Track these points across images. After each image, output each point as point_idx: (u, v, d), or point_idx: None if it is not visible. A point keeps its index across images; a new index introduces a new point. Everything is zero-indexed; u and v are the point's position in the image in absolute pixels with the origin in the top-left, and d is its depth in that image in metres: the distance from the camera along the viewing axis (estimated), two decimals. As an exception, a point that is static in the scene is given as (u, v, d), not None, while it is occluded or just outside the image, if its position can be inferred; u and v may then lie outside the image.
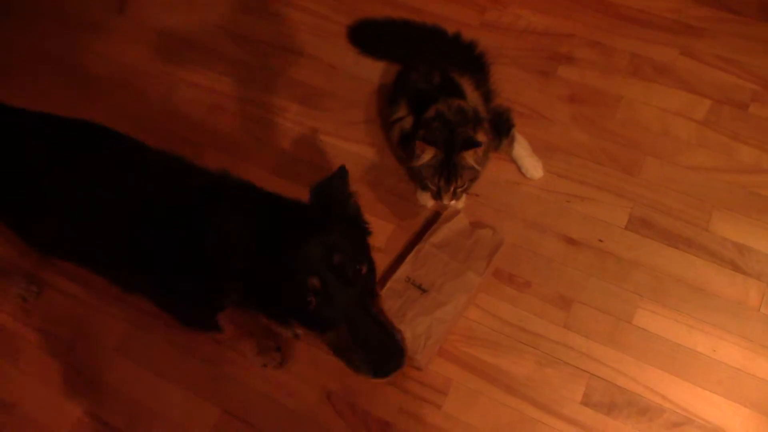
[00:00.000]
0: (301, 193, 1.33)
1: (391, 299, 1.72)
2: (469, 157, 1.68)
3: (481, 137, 1.72)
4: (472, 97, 1.85)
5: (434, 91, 1.80)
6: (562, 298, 1.79)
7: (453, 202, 1.79)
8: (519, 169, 1.95)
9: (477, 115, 1.78)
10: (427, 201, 1.91)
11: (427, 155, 1.69)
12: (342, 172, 1.32)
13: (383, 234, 1.88)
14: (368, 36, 2.17)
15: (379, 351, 1.17)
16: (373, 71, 2.13)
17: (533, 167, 1.92)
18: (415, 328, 1.67)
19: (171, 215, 1.31)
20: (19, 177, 1.38)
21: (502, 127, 1.89)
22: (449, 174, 1.69)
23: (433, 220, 1.87)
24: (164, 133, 2.08)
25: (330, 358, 1.73)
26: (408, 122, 1.83)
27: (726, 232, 1.82)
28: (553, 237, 1.86)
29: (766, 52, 2.03)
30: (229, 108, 2.14)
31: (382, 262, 1.86)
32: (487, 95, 1.94)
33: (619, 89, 2.03)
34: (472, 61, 2.05)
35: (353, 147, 2.03)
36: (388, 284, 1.75)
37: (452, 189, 1.72)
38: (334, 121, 2.08)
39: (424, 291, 1.73)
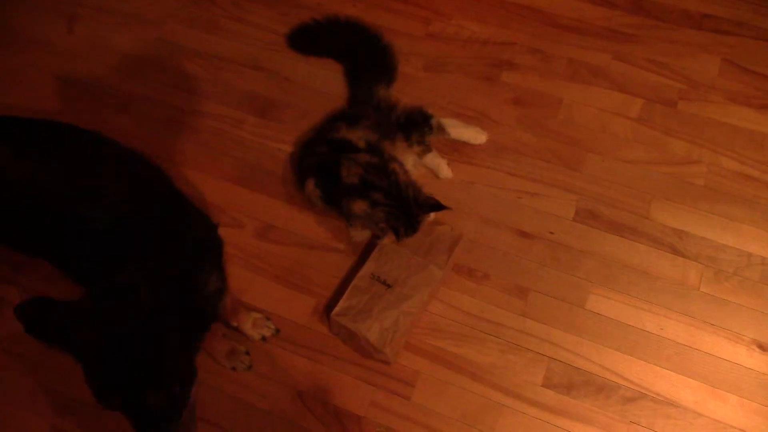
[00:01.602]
0: (262, 201, 1.39)
1: (357, 296, 1.77)
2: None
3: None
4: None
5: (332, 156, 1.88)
6: (519, 288, 1.88)
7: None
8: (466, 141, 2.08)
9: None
10: (363, 236, 1.93)
11: (388, 238, 1.81)
12: None
13: (344, 235, 1.94)
14: (304, 39, 2.27)
15: None
16: (326, 82, 2.20)
17: (477, 134, 2.07)
18: (382, 321, 1.72)
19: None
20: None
21: (420, 123, 1.99)
22: (407, 230, 1.79)
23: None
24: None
25: (299, 359, 1.78)
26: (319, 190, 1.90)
27: (665, 219, 1.95)
28: (508, 231, 1.95)
29: (690, 54, 2.20)
30: (185, 122, 2.16)
31: (344, 262, 1.91)
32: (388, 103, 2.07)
33: (559, 92, 2.16)
34: (384, 61, 2.17)
35: (310, 155, 2.09)
36: (354, 282, 1.80)
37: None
38: (291, 131, 2.13)
39: (389, 286, 1.78)
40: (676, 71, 2.17)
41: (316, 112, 2.14)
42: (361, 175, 1.79)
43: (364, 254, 1.90)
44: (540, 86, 2.17)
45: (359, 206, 1.77)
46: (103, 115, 2.18)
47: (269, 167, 2.08)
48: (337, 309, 1.75)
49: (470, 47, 2.26)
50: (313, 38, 2.27)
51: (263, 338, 1.80)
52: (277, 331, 1.81)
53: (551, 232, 1.95)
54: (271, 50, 2.30)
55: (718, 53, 2.20)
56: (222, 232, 1.62)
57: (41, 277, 1.90)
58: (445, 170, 2.02)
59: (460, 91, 2.17)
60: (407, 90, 2.17)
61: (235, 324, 1.79)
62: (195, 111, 2.18)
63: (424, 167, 2.04)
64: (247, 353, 1.79)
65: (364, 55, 2.17)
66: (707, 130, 2.08)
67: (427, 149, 2.01)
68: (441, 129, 2.01)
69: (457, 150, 2.07)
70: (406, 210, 1.77)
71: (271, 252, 1.93)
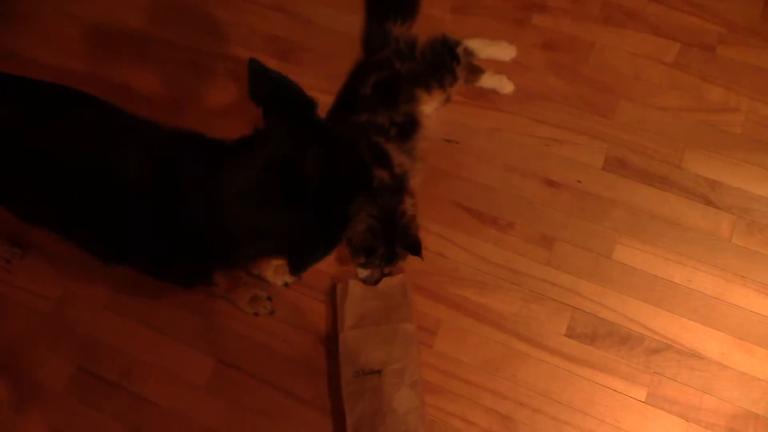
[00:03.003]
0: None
1: (358, 403, 1.63)
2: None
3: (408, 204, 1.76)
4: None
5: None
6: (544, 237, 1.84)
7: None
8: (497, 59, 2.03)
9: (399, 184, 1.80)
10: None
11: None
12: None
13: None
14: None
15: None
16: (350, 25, 2.13)
17: (506, 49, 2.03)
18: (400, 406, 1.61)
19: (163, 185, 1.30)
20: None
21: (446, 55, 1.92)
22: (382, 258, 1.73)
23: (333, 306, 1.80)
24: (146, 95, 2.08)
25: (320, 305, 1.78)
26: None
27: (698, 169, 1.89)
28: (534, 180, 1.91)
29: (731, -4, 2.10)
30: (208, 66, 2.13)
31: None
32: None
33: (591, 35, 2.08)
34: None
35: (332, 99, 2.04)
36: (344, 391, 1.65)
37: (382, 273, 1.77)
38: (313, 76, 2.08)
39: (378, 372, 1.65)
40: (715, 13, 2.07)
41: (338, 56, 2.09)
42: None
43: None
44: (572, 29, 2.09)
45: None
46: (124, 57, 2.15)
47: (292, 113, 2.04)
48: (349, 429, 1.61)
49: (500, -12, 2.18)
50: None
51: (285, 284, 1.80)
52: (299, 277, 1.81)
53: (579, 181, 1.90)
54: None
55: (761, -6, 2.09)
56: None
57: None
58: (507, 84, 1.99)
59: (489, 34, 2.09)
60: (433, 34, 2.09)
61: (256, 271, 1.79)
62: (218, 54, 2.14)
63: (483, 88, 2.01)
64: (270, 299, 1.79)
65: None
66: (746, 76, 1.99)
67: (479, 70, 1.97)
68: (469, 54, 1.95)
69: (483, 96, 2.01)
70: (390, 236, 1.71)
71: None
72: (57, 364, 1.78)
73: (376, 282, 1.76)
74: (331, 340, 1.76)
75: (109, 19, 2.22)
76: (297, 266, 1.37)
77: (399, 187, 1.78)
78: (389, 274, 1.77)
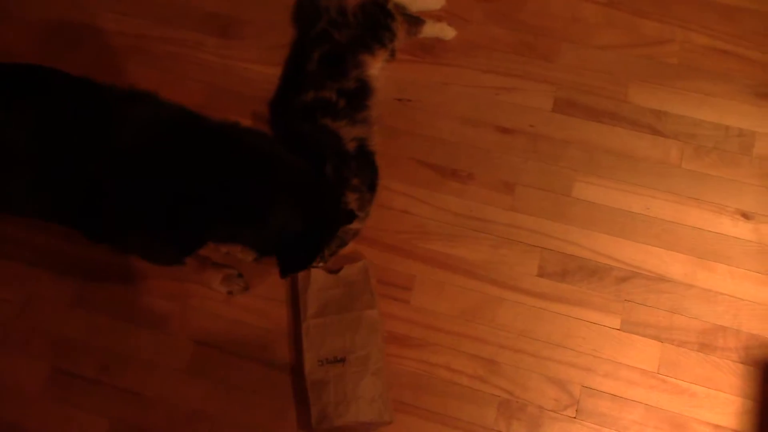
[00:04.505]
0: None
1: (322, 391, 1.61)
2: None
3: (350, 198, 1.72)
4: None
5: None
6: (505, 183, 1.87)
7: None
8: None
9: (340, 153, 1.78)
10: None
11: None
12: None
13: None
14: None
15: None
16: (286, -6, 2.11)
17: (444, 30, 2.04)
18: (364, 396, 1.60)
19: (144, 163, 1.29)
20: None
21: (381, 19, 1.93)
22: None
23: (294, 294, 1.77)
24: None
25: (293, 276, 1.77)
26: None
27: (642, 101, 1.95)
28: (488, 129, 1.94)
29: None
30: (146, 49, 2.07)
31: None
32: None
33: (526, -17, 2.11)
34: None
35: (277, 71, 2.02)
36: (308, 380, 1.63)
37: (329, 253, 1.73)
38: (255, 48, 2.06)
39: (342, 360, 1.64)
40: (641, -50, 2.13)
41: (279, 27, 2.07)
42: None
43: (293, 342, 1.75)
44: (506, -22, 2.12)
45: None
46: (57, 51, 2.07)
47: (238, 89, 2.01)
48: (314, 419, 1.59)
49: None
50: None
51: (256, 259, 1.78)
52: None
53: (531, 125, 1.93)
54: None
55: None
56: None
57: (20, 224, 1.84)
58: (449, 30, 2.02)
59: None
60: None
61: (225, 249, 1.77)
62: (153, 37, 2.08)
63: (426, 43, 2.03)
64: (241, 276, 1.77)
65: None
66: (676, 7, 2.06)
67: (419, 22, 1.98)
68: (400, 8, 1.97)
69: (428, 52, 2.03)
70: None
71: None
72: (31, 368, 1.72)
73: (327, 258, 1.74)
74: (293, 329, 1.75)
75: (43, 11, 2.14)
76: (284, 272, 1.43)
77: (342, 182, 1.75)
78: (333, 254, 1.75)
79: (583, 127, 1.93)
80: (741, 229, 1.82)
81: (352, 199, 1.72)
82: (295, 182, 1.39)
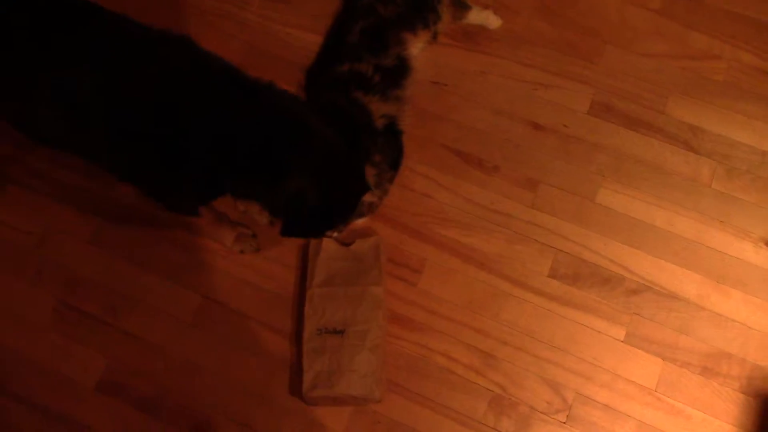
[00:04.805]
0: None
1: (317, 360, 1.62)
2: None
3: (368, 172, 1.70)
4: None
5: None
6: (529, 180, 1.86)
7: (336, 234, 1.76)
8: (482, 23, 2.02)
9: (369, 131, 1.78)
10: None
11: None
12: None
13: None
14: None
15: None
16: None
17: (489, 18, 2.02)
18: (357, 370, 1.60)
19: (173, 105, 1.30)
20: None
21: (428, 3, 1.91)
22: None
23: (303, 261, 1.78)
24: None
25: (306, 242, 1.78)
26: None
27: (681, 115, 1.91)
28: (521, 123, 1.92)
29: (719, -56, 2.10)
30: (189, 2, 2.08)
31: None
32: None
33: (579, -20, 2.07)
34: None
35: (318, 39, 2.02)
36: (304, 347, 1.64)
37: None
38: (298, 14, 2.05)
39: (341, 332, 1.64)
40: (702, -39, 2.07)
41: (325, -5, 2.06)
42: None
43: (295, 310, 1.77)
44: (560, -27, 2.08)
45: None
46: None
47: (278, 52, 2.01)
48: (306, 385, 1.60)
49: (488, -70, 2.15)
50: None
51: (271, 222, 1.79)
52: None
53: (565, 125, 1.91)
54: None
55: (749, -56, 2.10)
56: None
57: (52, 160, 1.88)
58: (494, 19, 2.00)
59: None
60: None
61: (242, 208, 1.78)
62: (200, -7, 2.09)
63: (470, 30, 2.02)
64: (254, 236, 1.78)
65: None
66: (729, 24, 2.00)
67: (465, 6, 1.96)
68: (458, 8, 1.94)
69: (470, 39, 2.00)
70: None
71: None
72: (39, 299, 1.76)
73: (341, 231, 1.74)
74: (297, 296, 1.76)
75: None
76: (284, 231, 1.43)
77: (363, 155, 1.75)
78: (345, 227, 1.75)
79: (617, 134, 1.90)
80: (763, 258, 1.78)
81: (370, 174, 1.72)
82: (320, 151, 1.38)
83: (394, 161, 1.81)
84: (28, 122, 1.47)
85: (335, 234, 1.76)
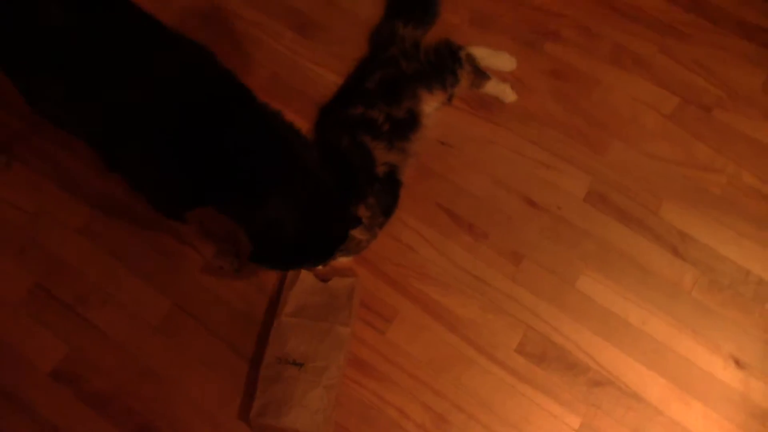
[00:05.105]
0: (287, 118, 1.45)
1: (270, 388, 1.63)
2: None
3: (361, 212, 1.75)
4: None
5: None
6: (514, 253, 1.88)
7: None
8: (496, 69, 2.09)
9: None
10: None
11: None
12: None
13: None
14: None
15: None
16: (369, 16, 2.16)
17: (507, 61, 2.09)
18: (308, 404, 1.61)
19: (178, 108, 1.35)
20: (31, 29, 1.35)
21: (448, 58, 1.98)
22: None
23: (279, 288, 1.81)
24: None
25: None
26: None
27: (673, 219, 1.94)
28: (517, 197, 1.95)
29: (736, 64, 2.16)
30: (225, 20, 2.15)
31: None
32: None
33: (598, 73, 2.13)
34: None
35: (339, 80, 2.08)
36: (261, 373, 1.65)
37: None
38: (325, 53, 2.12)
39: (300, 365, 1.65)
40: (718, 78, 2.13)
41: (351, 41, 2.12)
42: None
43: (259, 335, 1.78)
44: (580, 64, 2.14)
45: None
46: None
47: (299, 86, 2.07)
48: (254, 410, 1.61)
49: (521, 11, 2.22)
50: None
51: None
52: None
53: (559, 207, 1.94)
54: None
55: (766, 69, 2.16)
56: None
57: (58, 142, 1.92)
58: (510, 93, 2.05)
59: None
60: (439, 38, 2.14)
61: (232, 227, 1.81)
62: (238, 13, 2.17)
63: (485, 99, 2.07)
64: (237, 256, 1.81)
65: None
66: (736, 142, 2.05)
67: (484, 76, 2.02)
68: (471, 59, 2.01)
69: (484, 107, 2.06)
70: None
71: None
72: (17, 276, 1.79)
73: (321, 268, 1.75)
74: (266, 322, 1.78)
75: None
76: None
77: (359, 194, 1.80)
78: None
79: (608, 225, 1.93)
80: (730, 375, 1.78)
81: (362, 215, 1.75)
82: (307, 187, 1.42)
83: (387, 208, 1.84)
84: (40, 98, 1.51)
85: (319, 267, 1.77)
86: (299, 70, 2.11)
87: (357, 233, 1.69)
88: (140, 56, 1.34)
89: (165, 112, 1.32)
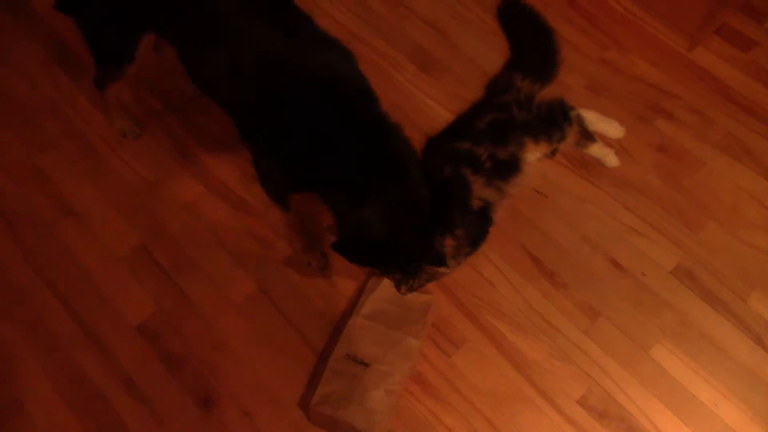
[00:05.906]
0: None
1: (335, 380, 1.67)
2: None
3: (448, 242, 1.79)
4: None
5: None
6: (591, 308, 1.89)
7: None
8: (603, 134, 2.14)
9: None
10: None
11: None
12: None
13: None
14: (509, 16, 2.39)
15: None
16: (489, 62, 2.28)
17: (616, 128, 2.15)
18: (367, 403, 1.64)
19: (322, 102, 1.48)
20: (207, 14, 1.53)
21: (559, 116, 2.05)
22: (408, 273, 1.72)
23: (361, 290, 1.88)
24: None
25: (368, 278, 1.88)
26: None
27: (761, 310, 1.90)
28: (602, 256, 1.97)
29: None
30: (352, 45, 2.31)
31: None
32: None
33: (705, 156, 2.15)
34: (546, 61, 2.24)
35: (450, 117, 2.19)
36: (329, 365, 1.70)
37: (410, 285, 1.72)
38: (441, 90, 2.24)
39: (366, 365, 1.69)
40: (829, 181, 2.11)
41: (469, 84, 2.23)
42: None
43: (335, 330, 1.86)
44: (689, 144, 2.17)
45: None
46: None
47: (412, 116, 2.19)
48: (316, 398, 1.65)
49: (636, 85, 2.29)
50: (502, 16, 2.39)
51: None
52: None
53: (644, 274, 1.94)
54: (454, 18, 2.41)
55: None
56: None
57: (186, 127, 2.11)
58: (613, 159, 2.10)
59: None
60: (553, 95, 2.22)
61: (326, 225, 1.91)
62: (365, 41, 2.33)
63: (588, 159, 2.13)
64: (325, 256, 1.90)
65: (530, 44, 2.27)
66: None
67: (591, 139, 2.08)
68: (581, 120, 2.07)
69: (584, 166, 2.11)
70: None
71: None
72: (126, 234, 1.95)
73: (405, 291, 1.76)
74: (339, 323, 1.85)
75: None
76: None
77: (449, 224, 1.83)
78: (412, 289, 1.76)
79: (692, 302, 1.91)
80: (799, 478, 1.70)
81: (448, 245, 1.81)
82: (406, 201, 1.52)
83: (475, 241, 1.90)
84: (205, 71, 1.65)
85: (403, 289, 1.78)
86: (414, 101, 2.23)
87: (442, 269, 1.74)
88: (296, 47, 1.49)
89: (302, 100, 1.46)
